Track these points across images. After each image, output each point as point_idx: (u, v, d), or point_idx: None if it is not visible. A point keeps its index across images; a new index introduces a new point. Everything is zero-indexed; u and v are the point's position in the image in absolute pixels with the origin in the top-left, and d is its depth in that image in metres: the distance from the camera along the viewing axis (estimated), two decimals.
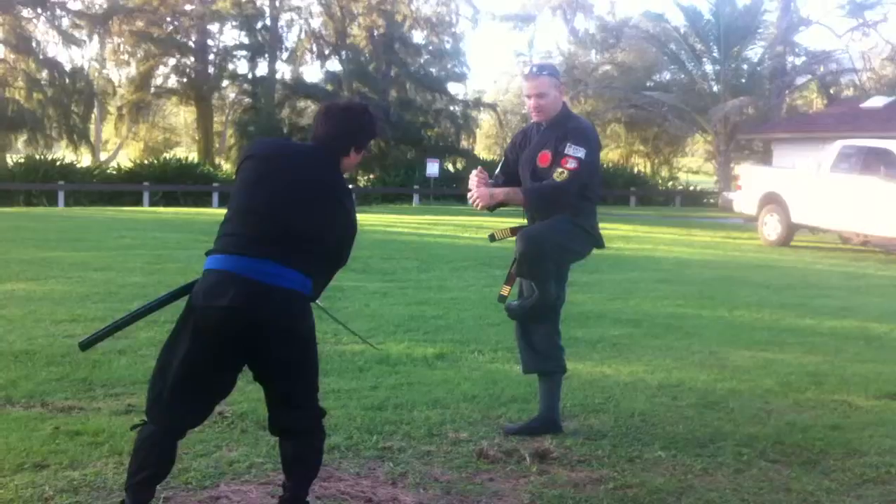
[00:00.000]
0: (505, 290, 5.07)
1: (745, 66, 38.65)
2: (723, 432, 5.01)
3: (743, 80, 37.87)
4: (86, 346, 3.48)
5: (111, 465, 4.16)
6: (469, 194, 5.00)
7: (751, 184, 19.46)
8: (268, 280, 3.24)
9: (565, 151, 4.65)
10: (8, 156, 37.60)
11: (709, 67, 38.55)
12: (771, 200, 18.47)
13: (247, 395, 4.90)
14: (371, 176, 42.02)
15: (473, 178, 4.98)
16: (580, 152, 4.65)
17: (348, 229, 3.48)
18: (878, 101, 31.31)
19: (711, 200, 37.33)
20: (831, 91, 41.86)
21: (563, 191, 4.67)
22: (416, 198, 34.93)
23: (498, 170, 5.19)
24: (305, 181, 3.37)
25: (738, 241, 18.84)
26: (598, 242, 4.92)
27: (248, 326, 3.23)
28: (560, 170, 4.64)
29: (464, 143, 47.43)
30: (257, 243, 3.27)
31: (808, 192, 17.59)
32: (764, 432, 5.10)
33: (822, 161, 17.75)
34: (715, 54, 37.30)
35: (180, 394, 3.29)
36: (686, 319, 8.77)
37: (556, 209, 4.72)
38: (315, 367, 3.49)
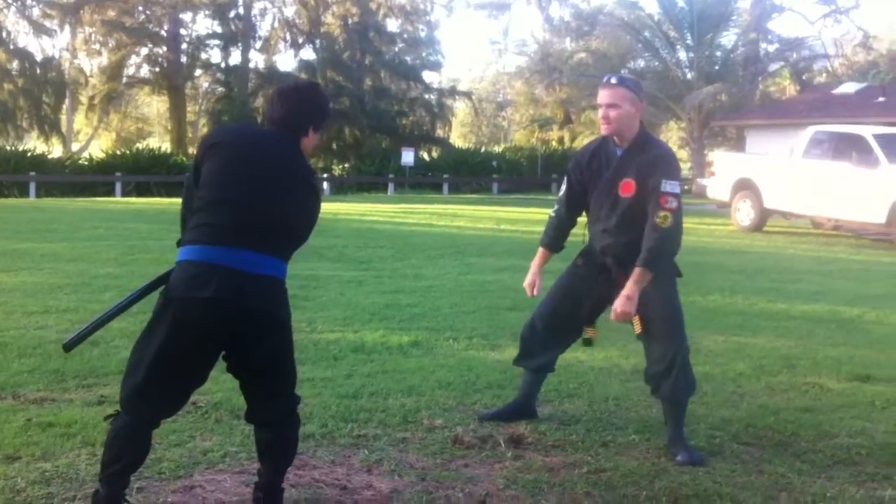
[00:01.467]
0: (590, 333, 4.79)
1: (718, 53, 38.78)
2: (696, 416, 5.04)
3: (716, 67, 38.00)
4: (70, 346, 3.44)
5: (84, 455, 4.13)
6: (616, 317, 4.41)
7: (724, 170, 19.58)
8: (249, 269, 3.23)
9: (662, 189, 4.29)
10: None
11: (682, 55, 38.64)
12: (744, 186, 18.61)
13: (220, 384, 4.88)
14: (346, 165, 41.97)
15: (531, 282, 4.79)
16: (676, 188, 4.34)
17: (317, 211, 3.49)
18: (849, 88, 31.59)
19: (685, 187, 37.41)
20: (804, 77, 42.17)
21: (675, 236, 4.34)
22: (391, 186, 34.90)
23: (561, 192, 4.86)
24: (276, 167, 3.36)
25: (712, 227, 18.95)
26: (679, 273, 4.64)
27: (232, 316, 3.22)
28: (663, 213, 4.28)
29: (439, 132, 47.42)
30: (234, 232, 3.25)
31: (781, 177, 17.73)
32: (736, 415, 5.15)
33: (795, 147, 17.91)
34: (689, 41, 37.38)
35: (156, 385, 3.26)
36: None
37: (673, 256, 4.47)
38: (293, 355, 3.49)
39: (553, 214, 4.90)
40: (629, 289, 4.35)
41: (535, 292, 4.82)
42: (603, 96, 4.48)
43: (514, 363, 5.08)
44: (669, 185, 4.32)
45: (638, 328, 4.49)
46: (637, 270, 4.35)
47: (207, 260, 3.23)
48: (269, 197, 3.30)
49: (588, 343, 4.87)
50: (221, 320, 3.22)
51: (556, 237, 4.88)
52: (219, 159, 3.37)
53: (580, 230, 4.82)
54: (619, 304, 4.36)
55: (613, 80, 4.52)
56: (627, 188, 4.43)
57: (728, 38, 38.91)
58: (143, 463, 3.49)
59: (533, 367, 4.94)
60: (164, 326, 3.24)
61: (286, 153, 3.42)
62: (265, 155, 3.39)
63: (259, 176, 3.32)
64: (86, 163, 35.26)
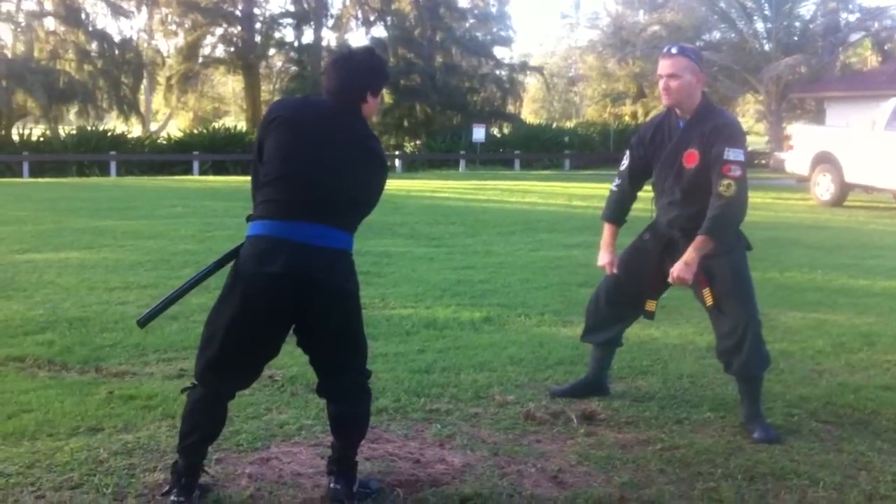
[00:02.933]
0: (651, 305, 4.75)
1: (797, 24, 37.79)
2: (773, 393, 4.96)
3: (795, 38, 37.03)
4: (144, 322, 3.52)
5: (164, 427, 4.24)
6: (673, 277, 4.36)
7: (803, 143, 19.10)
8: (318, 242, 3.27)
9: (725, 157, 4.21)
10: (60, 127, 38.18)
11: (759, 25, 37.73)
12: (824, 160, 18.13)
13: (296, 358, 4.94)
14: (417, 142, 42.00)
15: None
16: (740, 155, 4.24)
17: (381, 178, 3.50)
18: None
19: (763, 161, 36.65)
20: (886, 48, 40.78)
21: (739, 204, 4.26)
22: (462, 163, 34.84)
23: (623, 166, 4.78)
24: (337, 138, 3.36)
25: (790, 202, 18.55)
26: (749, 245, 4.58)
27: (300, 290, 3.26)
28: (726, 182, 4.20)
29: (510, 108, 47.11)
30: (300, 207, 3.29)
31: (862, 150, 17.23)
32: (815, 393, 5.05)
33: (877, 119, 17.36)
34: (766, 12, 36.47)
35: (229, 358, 3.32)
36: None
37: (737, 226, 4.39)
38: (362, 328, 3.52)
39: (615, 188, 4.84)
40: (688, 255, 4.32)
41: (614, 270, 4.76)
42: (663, 66, 4.42)
43: (581, 339, 5.06)
44: (733, 153, 4.25)
45: (709, 300, 4.43)
46: (699, 238, 4.30)
47: (275, 234, 3.28)
48: (332, 170, 3.32)
49: (649, 316, 4.81)
50: (290, 294, 3.26)
51: (618, 211, 4.83)
52: (281, 134, 3.39)
53: (648, 206, 4.75)
54: (676, 269, 4.33)
55: (674, 50, 4.45)
56: (691, 159, 4.37)
57: (807, 8, 37.93)
58: (220, 435, 3.57)
59: (600, 341, 4.91)
60: (234, 301, 3.29)
61: (346, 123, 3.41)
62: (326, 127, 3.39)
63: (321, 149, 3.34)
64: (164, 142, 36.03)
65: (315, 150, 3.34)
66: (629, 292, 4.74)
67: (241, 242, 3.40)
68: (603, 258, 4.79)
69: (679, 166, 4.42)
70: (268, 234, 3.30)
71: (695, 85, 4.40)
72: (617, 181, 4.84)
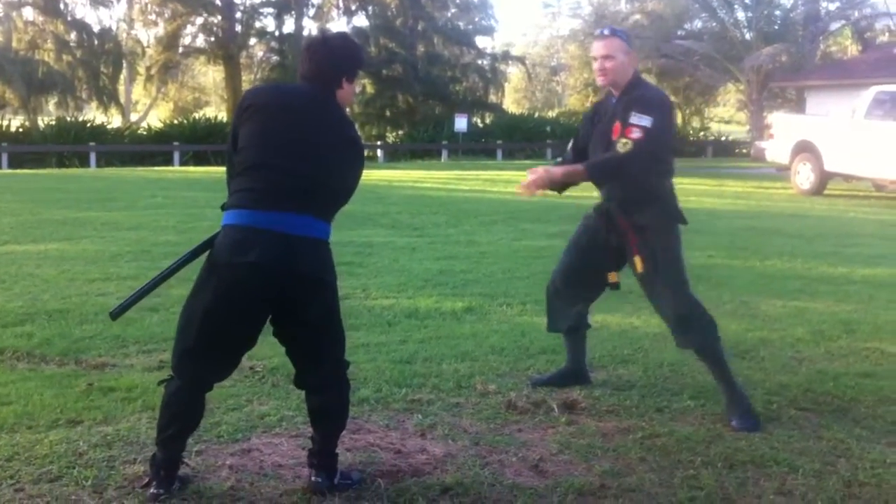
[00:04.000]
0: (613, 277, 4.75)
1: (777, 13, 37.96)
2: (753, 381, 4.99)
3: (776, 27, 37.20)
4: (117, 314, 3.49)
5: (144, 419, 4.22)
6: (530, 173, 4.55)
7: (783, 132, 19.19)
8: (294, 231, 3.24)
9: (630, 121, 4.34)
10: (39, 118, 37.87)
11: (741, 14, 37.88)
12: (804, 149, 18.23)
13: (277, 349, 4.86)
14: (399, 132, 41.91)
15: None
16: (645, 120, 4.32)
17: (358, 165, 3.48)
18: None
19: (744, 150, 36.93)
20: (866, 36, 40.95)
21: (628, 162, 4.34)
22: (444, 153, 34.81)
23: (569, 146, 4.95)
24: (312, 126, 3.33)
25: (771, 191, 18.64)
26: (684, 220, 4.63)
27: (276, 280, 3.23)
28: (624, 140, 4.33)
29: (492, 98, 47.05)
30: (275, 196, 3.25)
31: (842, 139, 17.33)
32: (794, 381, 5.08)
33: (857, 108, 17.46)
34: (747, 1, 36.60)
35: (206, 349, 3.30)
36: (716, 270, 8.70)
37: (619, 179, 4.48)
38: (340, 318, 3.49)
39: (559, 160, 4.97)
40: (556, 169, 4.53)
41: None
42: (597, 48, 4.56)
43: (547, 330, 5.10)
44: (637, 118, 4.35)
45: (639, 266, 4.48)
46: (577, 166, 4.50)
47: (249, 224, 3.24)
48: (308, 158, 3.29)
49: (615, 287, 4.80)
50: (266, 284, 3.24)
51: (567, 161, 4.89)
52: (255, 122, 3.36)
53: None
54: (539, 169, 4.49)
55: (606, 32, 4.61)
56: (616, 131, 4.49)
57: None
58: (199, 426, 3.55)
59: (563, 329, 4.96)
60: (209, 291, 3.26)
61: (321, 109, 3.38)
62: (300, 114, 3.35)
63: (296, 136, 3.31)
64: (144, 133, 35.84)
65: (290, 138, 3.31)
66: (583, 270, 4.79)
67: (216, 232, 3.36)
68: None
69: (608, 139, 4.55)
70: (242, 223, 3.26)
71: (627, 64, 4.54)
72: (559, 160, 4.99)
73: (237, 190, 3.33)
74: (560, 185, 4.61)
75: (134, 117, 47.09)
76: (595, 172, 4.47)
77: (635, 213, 4.48)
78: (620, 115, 4.44)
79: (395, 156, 35.43)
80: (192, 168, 27.39)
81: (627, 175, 4.44)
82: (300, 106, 3.38)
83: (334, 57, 3.43)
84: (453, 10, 46.13)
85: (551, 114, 49.63)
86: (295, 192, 3.26)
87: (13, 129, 34.00)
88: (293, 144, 3.30)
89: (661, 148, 4.45)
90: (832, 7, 40.09)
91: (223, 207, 3.37)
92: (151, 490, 3.37)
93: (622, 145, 4.34)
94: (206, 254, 3.37)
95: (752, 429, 4.30)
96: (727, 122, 52.79)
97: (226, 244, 3.26)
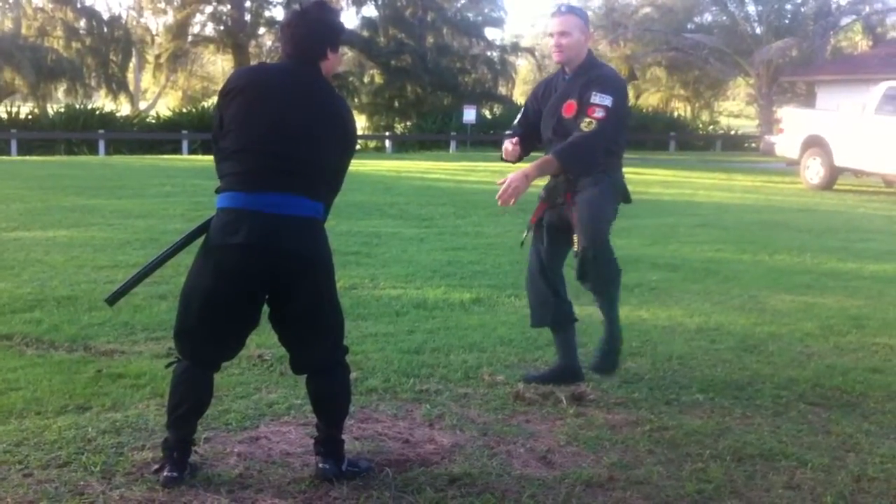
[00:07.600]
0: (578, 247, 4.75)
1: (788, 7, 37.84)
2: (761, 375, 4.98)
3: (786, 21, 37.09)
4: (112, 300, 3.51)
5: (153, 406, 4.23)
6: (503, 184, 4.47)
7: (793, 127, 19.12)
8: (283, 210, 3.25)
9: (591, 100, 4.42)
10: (49, 105, 37.90)
11: (751, 8, 37.81)
12: (814, 143, 18.16)
13: None
14: (408, 122, 41.86)
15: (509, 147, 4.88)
16: (607, 100, 4.42)
17: (349, 138, 3.47)
18: None
19: (753, 144, 36.78)
20: (877, 31, 40.82)
21: (595, 141, 4.44)
22: (452, 144, 34.74)
23: (516, 121, 5.01)
24: (296, 103, 3.33)
25: (780, 186, 18.58)
26: (627, 198, 4.71)
27: (267, 260, 3.25)
28: (588, 120, 4.42)
29: (501, 89, 46.97)
30: (263, 176, 3.26)
31: (852, 134, 17.26)
32: (803, 375, 5.06)
33: (867, 103, 17.39)
34: None
35: (208, 330, 3.32)
36: (725, 264, 8.69)
37: (591, 163, 4.51)
38: (336, 300, 3.49)
39: (509, 132, 4.99)
40: (529, 167, 4.48)
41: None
42: (554, 24, 4.65)
43: (532, 325, 5.08)
44: (599, 98, 4.44)
45: (576, 246, 4.57)
46: (546, 157, 4.53)
47: (238, 206, 3.27)
48: (295, 136, 3.29)
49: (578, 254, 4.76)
50: (256, 264, 3.25)
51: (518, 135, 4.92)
52: (238, 106, 3.35)
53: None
54: (511, 176, 4.42)
55: (564, 9, 4.68)
56: (570, 109, 4.57)
57: None
58: (208, 407, 3.56)
59: (548, 323, 4.93)
60: (205, 273, 3.30)
61: (308, 84, 3.38)
62: (286, 91, 3.35)
63: (281, 115, 3.30)
64: (153, 121, 35.82)
65: (275, 117, 3.30)
66: (552, 254, 4.84)
67: (209, 217, 3.39)
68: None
69: (559, 116, 4.62)
70: (232, 206, 3.29)
71: (583, 42, 4.64)
72: (509, 132, 4.99)
73: (226, 174, 3.34)
74: (534, 179, 4.55)
75: (143, 105, 47.11)
76: (567, 159, 4.49)
77: (581, 188, 4.56)
78: (577, 93, 4.52)
79: (404, 146, 35.37)
80: (200, 156, 27.34)
81: (595, 154, 4.49)
82: (282, 85, 3.38)
83: (314, 28, 3.41)
84: (463, 2, 46.00)
85: None
86: (282, 173, 3.27)
87: (22, 115, 34.03)
88: (277, 125, 3.30)
89: (617, 129, 4.57)
90: (843, 2, 40.00)
91: (217, 191, 3.39)
92: (165, 473, 3.38)
93: (586, 125, 4.43)
94: (203, 237, 3.39)
95: (605, 370, 4.63)
96: (737, 116, 52.64)
97: (218, 227, 3.30)
